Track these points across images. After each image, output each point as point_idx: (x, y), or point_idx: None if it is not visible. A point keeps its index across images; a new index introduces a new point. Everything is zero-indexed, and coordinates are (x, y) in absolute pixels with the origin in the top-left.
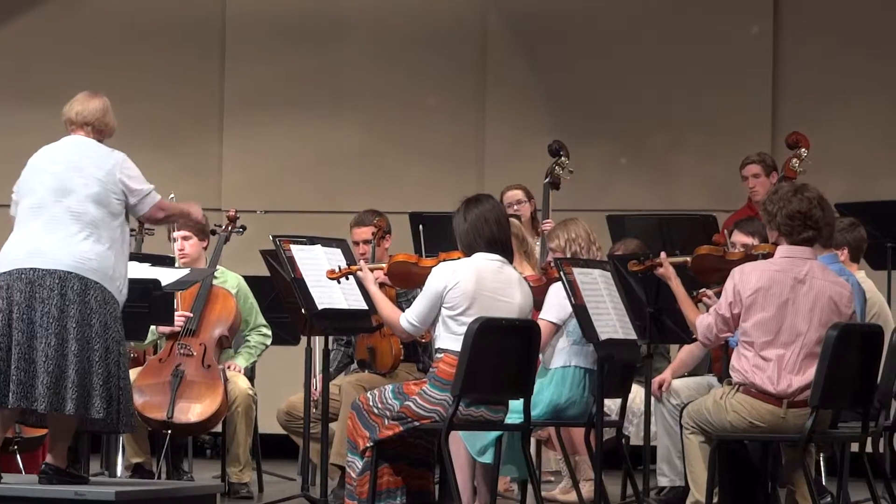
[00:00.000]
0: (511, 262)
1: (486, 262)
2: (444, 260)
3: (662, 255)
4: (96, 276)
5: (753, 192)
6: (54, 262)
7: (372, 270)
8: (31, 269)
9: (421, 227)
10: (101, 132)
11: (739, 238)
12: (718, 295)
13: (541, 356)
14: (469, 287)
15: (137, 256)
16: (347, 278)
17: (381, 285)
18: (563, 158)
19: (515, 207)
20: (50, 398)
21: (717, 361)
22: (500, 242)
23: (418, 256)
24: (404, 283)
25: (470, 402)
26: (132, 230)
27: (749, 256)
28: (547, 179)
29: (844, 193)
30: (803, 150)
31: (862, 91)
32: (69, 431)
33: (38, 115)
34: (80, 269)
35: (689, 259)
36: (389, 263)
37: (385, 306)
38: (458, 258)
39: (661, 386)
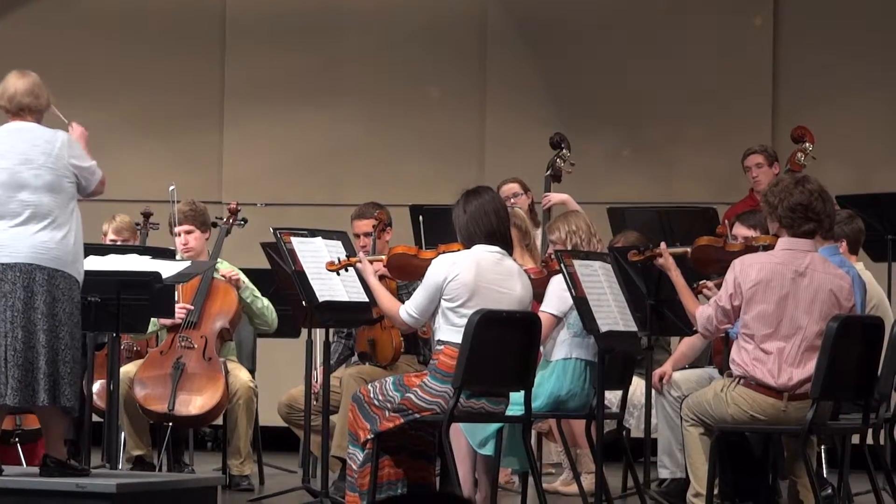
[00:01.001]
0: (510, 253)
1: (485, 254)
2: (444, 252)
3: (662, 245)
4: (58, 263)
5: (756, 181)
6: (15, 255)
7: (371, 262)
8: None
9: (420, 217)
10: (38, 111)
11: (741, 231)
12: (719, 287)
13: (542, 348)
14: (469, 279)
15: (138, 249)
16: (347, 270)
17: (382, 277)
18: (564, 151)
19: (512, 201)
20: (21, 392)
21: (718, 354)
22: (500, 234)
23: (418, 248)
24: (404, 275)
25: (471, 393)
26: (136, 224)
27: (749, 248)
28: (548, 172)
29: (845, 185)
30: (808, 144)
31: (863, 83)
32: (60, 422)
33: None
34: (41, 260)
35: (689, 250)
36: (389, 255)
37: (384, 298)
38: (458, 250)
39: (661, 378)
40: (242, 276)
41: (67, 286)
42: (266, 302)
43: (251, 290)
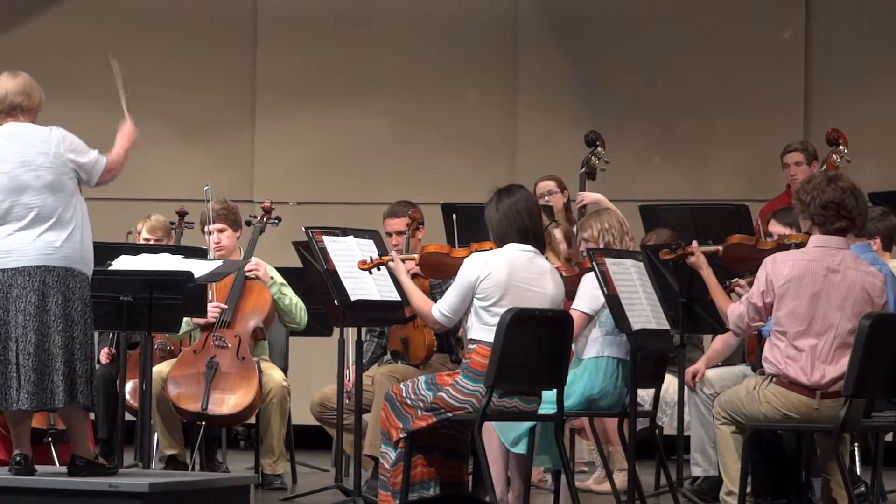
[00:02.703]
0: (543, 252)
1: (518, 253)
2: (476, 250)
3: (694, 243)
4: (68, 262)
5: (794, 179)
6: (24, 259)
7: (404, 261)
8: (1, 270)
9: (454, 215)
10: (31, 111)
11: (776, 228)
12: (751, 285)
13: (574, 346)
14: (501, 278)
15: (170, 248)
16: (379, 269)
17: (415, 276)
18: (599, 149)
19: (547, 198)
20: (38, 395)
21: (751, 353)
22: (533, 233)
23: (450, 247)
24: (436, 274)
25: (503, 392)
26: (171, 223)
27: (782, 246)
28: (583, 170)
29: (877, 182)
30: (843, 147)
31: (895, 77)
32: (83, 421)
33: (71, 106)
34: (51, 261)
35: (720, 248)
36: (421, 254)
37: (417, 297)
38: (490, 248)
39: (694, 376)
40: (271, 272)
41: (79, 285)
42: (295, 299)
43: (279, 287)
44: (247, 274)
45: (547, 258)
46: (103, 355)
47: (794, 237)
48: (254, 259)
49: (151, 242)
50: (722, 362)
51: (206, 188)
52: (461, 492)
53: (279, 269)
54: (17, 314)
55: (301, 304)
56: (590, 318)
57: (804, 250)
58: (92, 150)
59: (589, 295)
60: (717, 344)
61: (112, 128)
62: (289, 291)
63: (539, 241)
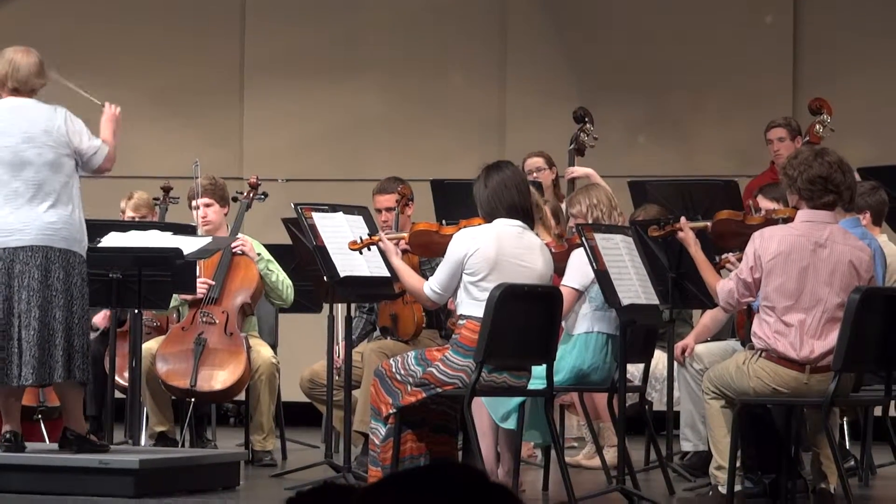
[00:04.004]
0: (532, 228)
1: (506, 228)
2: (465, 227)
3: (682, 219)
4: (66, 243)
5: (777, 155)
6: (25, 237)
7: (395, 242)
8: (2, 248)
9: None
10: (35, 90)
11: (763, 203)
12: (740, 261)
13: (563, 322)
14: (490, 253)
15: (159, 225)
16: (370, 249)
17: (404, 252)
18: (588, 125)
19: (535, 175)
20: (39, 370)
21: (741, 328)
22: (522, 208)
23: (439, 224)
24: (426, 252)
25: (493, 368)
26: (155, 199)
27: (769, 221)
28: (572, 146)
29: (866, 157)
30: (826, 115)
31: (884, 53)
32: (77, 395)
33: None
34: (52, 241)
35: (709, 224)
36: (410, 233)
37: (408, 277)
38: (479, 225)
39: (683, 351)
40: (258, 248)
41: (78, 262)
42: (282, 276)
43: (265, 263)
44: (233, 250)
45: (537, 234)
46: None
47: (782, 212)
48: (240, 235)
49: (136, 220)
50: (711, 337)
51: (195, 164)
52: None
53: (268, 246)
54: (21, 290)
55: (288, 280)
56: (579, 294)
57: (792, 225)
58: (95, 138)
59: (578, 271)
60: (707, 319)
61: (93, 104)
62: (275, 268)
63: (528, 216)
